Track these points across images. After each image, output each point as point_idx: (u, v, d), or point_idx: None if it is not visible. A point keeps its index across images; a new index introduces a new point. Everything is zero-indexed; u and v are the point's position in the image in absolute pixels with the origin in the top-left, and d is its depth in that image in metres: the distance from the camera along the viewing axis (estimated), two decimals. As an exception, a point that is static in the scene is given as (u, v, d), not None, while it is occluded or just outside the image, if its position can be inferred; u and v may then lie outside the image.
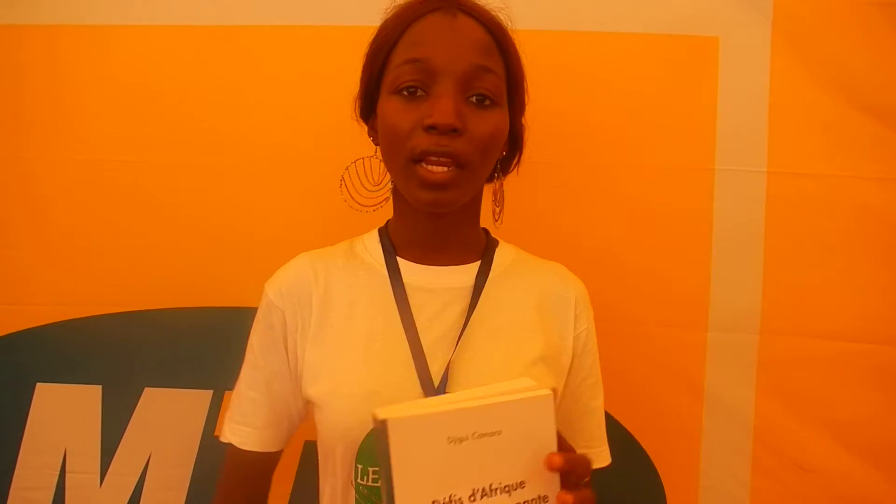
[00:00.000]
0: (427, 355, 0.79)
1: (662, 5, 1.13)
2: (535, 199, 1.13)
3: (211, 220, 1.18)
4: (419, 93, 0.77)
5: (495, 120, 0.79)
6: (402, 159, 0.77)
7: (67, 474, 1.20)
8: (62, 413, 1.20)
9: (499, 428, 0.59)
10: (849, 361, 1.12)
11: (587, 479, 0.68)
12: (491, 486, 0.59)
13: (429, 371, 0.78)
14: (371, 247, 0.87)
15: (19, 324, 1.20)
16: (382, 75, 0.81)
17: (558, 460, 0.61)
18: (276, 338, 0.84)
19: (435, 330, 0.81)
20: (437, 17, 0.78)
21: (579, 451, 0.77)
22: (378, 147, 0.85)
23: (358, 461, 0.77)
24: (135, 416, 1.19)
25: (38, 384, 1.20)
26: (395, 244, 0.86)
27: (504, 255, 0.89)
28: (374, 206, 0.89)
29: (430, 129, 0.74)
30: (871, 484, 1.12)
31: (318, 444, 0.83)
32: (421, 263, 0.84)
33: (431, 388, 0.77)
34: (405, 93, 0.77)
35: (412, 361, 0.78)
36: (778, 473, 1.14)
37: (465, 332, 0.80)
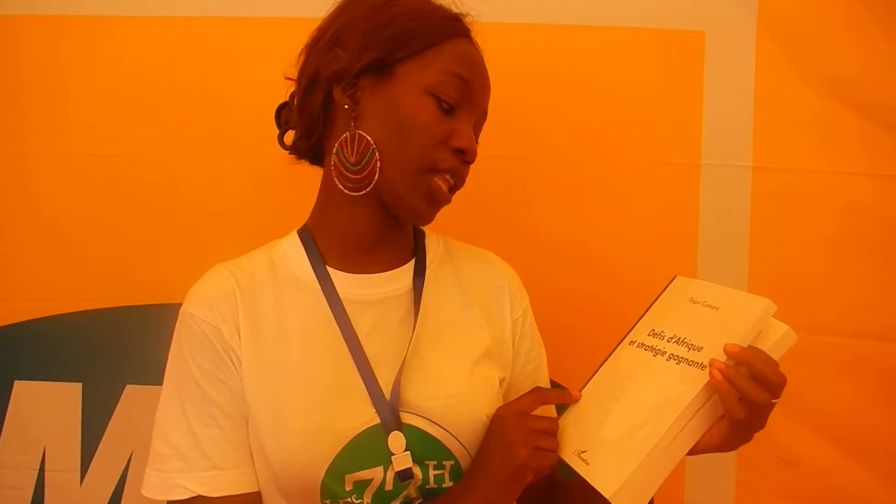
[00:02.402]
0: (374, 369, 0.75)
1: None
2: (521, 194, 1.13)
3: (195, 215, 1.17)
4: (455, 111, 0.77)
5: None
6: (418, 165, 0.76)
7: (47, 473, 1.18)
8: (41, 411, 1.18)
9: (720, 305, 0.72)
10: (833, 355, 1.13)
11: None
12: (685, 339, 0.72)
13: (378, 386, 0.75)
14: (295, 257, 0.81)
15: (-2, 320, 1.18)
16: (409, 61, 0.76)
17: (733, 347, 0.66)
18: (221, 358, 0.74)
19: (376, 342, 0.77)
20: (473, 49, 0.80)
21: None
22: (355, 118, 0.76)
23: (323, 497, 0.72)
24: (116, 414, 1.18)
25: (17, 382, 1.18)
26: (321, 251, 0.81)
27: (434, 248, 0.87)
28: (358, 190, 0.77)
29: (460, 152, 0.77)
30: (854, 476, 1.13)
31: (262, 487, 0.75)
32: (353, 272, 0.80)
33: (383, 401, 0.74)
34: (444, 105, 0.76)
35: (360, 379, 0.75)
36: (763, 467, 1.14)
37: (412, 339, 0.77)
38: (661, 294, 0.80)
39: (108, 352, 1.18)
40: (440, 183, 0.76)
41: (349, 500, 0.73)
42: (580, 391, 0.77)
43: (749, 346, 0.66)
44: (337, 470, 0.72)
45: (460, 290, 0.85)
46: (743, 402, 0.65)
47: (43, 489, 1.18)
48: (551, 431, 0.73)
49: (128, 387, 1.18)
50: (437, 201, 0.78)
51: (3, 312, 1.18)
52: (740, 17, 1.12)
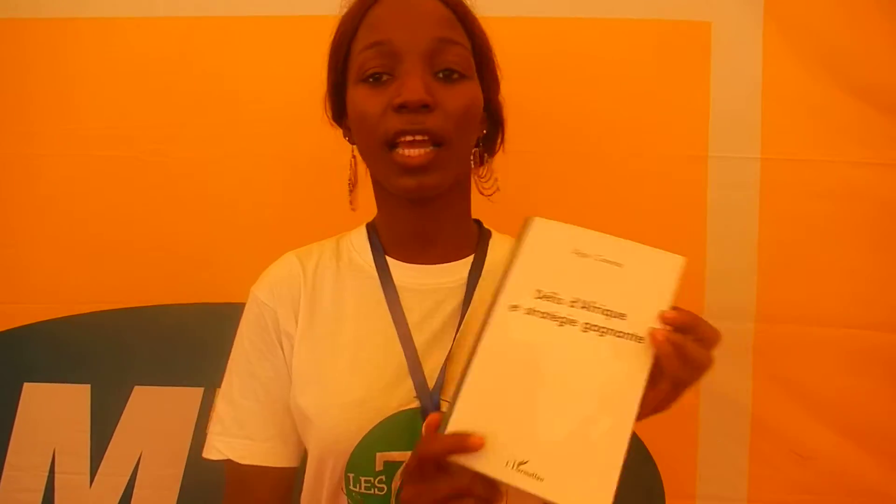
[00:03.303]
0: (420, 357, 0.77)
1: (653, -10, 1.12)
2: (526, 188, 1.12)
3: (201, 215, 1.17)
4: (385, 77, 0.74)
5: (467, 92, 0.76)
6: (376, 146, 0.75)
7: (57, 475, 1.18)
8: (51, 413, 1.18)
9: (622, 262, 0.64)
10: (844, 347, 1.12)
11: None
12: (594, 303, 0.62)
13: (423, 374, 0.76)
14: (359, 245, 0.85)
15: (6, 323, 1.18)
16: (347, 66, 0.79)
17: (672, 314, 0.60)
18: (272, 340, 0.80)
19: (426, 331, 0.78)
20: (392, 0, 0.77)
21: None
22: (354, 146, 0.83)
23: (349, 470, 0.75)
24: (124, 415, 1.18)
25: (26, 384, 1.19)
26: (383, 242, 0.84)
27: (497, 248, 0.86)
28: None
29: (401, 108, 0.72)
30: (868, 469, 1.12)
31: (308, 453, 0.79)
32: (411, 262, 0.82)
33: (426, 390, 0.75)
34: (371, 79, 0.75)
35: (406, 365, 0.76)
36: (776, 461, 1.14)
37: (459, 331, 0.78)
38: (522, 240, 0.66)
39: (116, 353, 1.18)
40: (400, 154, 0.73)
41: (372, 480, 0.74)
42: (459, 381, 0.61)
43: (677, 308, 0.61)
44: (369, 445, 0.73)
45: None
46: (688, 366, 0.60)
47: (53, 491, 1.18)
48: (461, 493, 0.58)
49: (136, 388, 1.18)
50: (412, 171, 0.74)
51: (12, 315, 1.18)
52: (747, 7, 1.10)
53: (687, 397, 1.12)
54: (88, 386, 1.18)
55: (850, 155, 1.11)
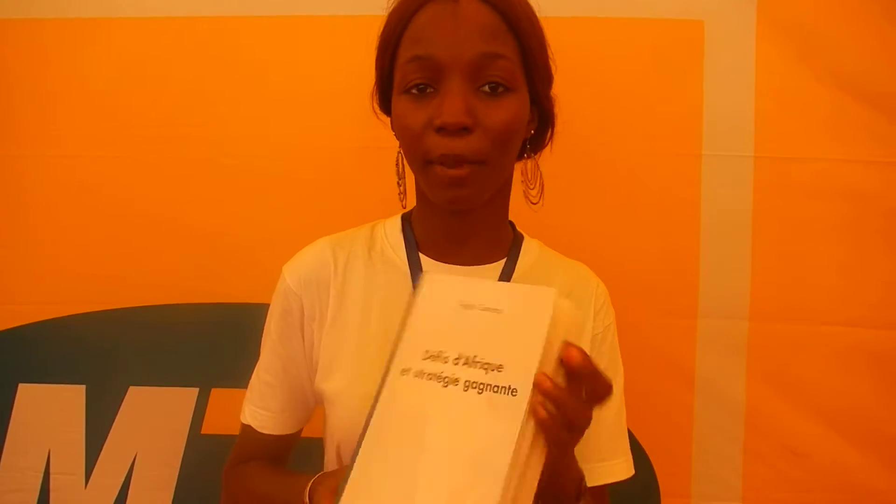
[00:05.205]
0: None
1: (646, -11, 1.12)
2: (517, 188, 1.12)
3: (195, 215, 1.17)
4: (429, 90, 0.74)
5: (511, 107, 0.75)
6: (417, 160, 0.76)
7: (52, 476, 1.18)
8: (46, 414, 1.18)
9: (501, 307, 0.59)
10: (838, 344, 1.12)
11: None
12: (475, 357, 0.58)
13: None
14: (393, 238, 0.85)
15: (1, 323, 1.18)
16: (392, 72, 0.78)
17: (544, 381, 0.54)
18: (294, 324, 0.83)
19: None
20: (438, 7, 0.74)
21: (583, 464, 0.74)
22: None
23: None
24: (119, 416, 1.18)
25: (21, 385, 1.18)
26: (417, 238, 0.84)
27: (528, 254, 0.86)
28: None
29: (441, 129, 0.72)
30: (862, 467, 1.12)
31: (326, 437, 0.83)
32: (444, 262, 0.82)
33: None
34: (414, 91, 0.74)
35: None
36: (770, 459, 1.14)
37: None
38: (414, 301, 0.63)
39: (111, 354, 1.18)
40: (441, 169, 0.73)
41: None
42: (355, 450, 0.59)
43: (562, 353, 0.56)
44: None
45: None
46: (566, 430, 0.55)
47: (48, 492, 1.18)
48: None
49: (131, 388, 1.18)
50: (450, 185, 0.74)
51: (6, 316, 1.18)
52: (739, 6, 1.10)
53: (681, 395, 1.14)
54: (83, 386, 1.18)
55: (845, 153, 1.11)
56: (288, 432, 0.88)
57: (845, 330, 1.12)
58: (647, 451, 1.15)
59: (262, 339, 0.87)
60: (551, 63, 0.82)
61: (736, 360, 1.14)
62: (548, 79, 0.82)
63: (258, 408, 0.87)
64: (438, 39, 0.73)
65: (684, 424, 1.15)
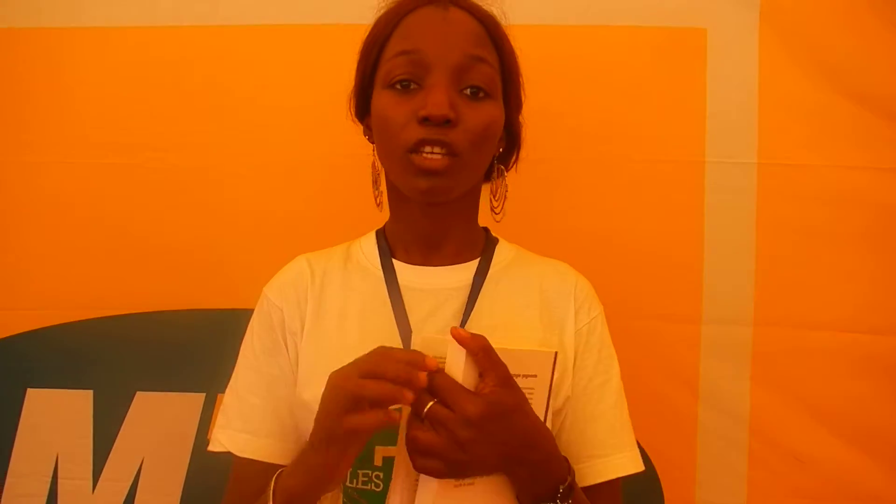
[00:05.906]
0: None
1: (649, -3, 1.12)
2: (523, 193, 1.12)
3: (204, 222, 1.18)
4: (412, 86, 0.76)
5: (489, 111, 0.78)
6: (398, 151, 0.77)
7: (60, 480, 1.19)
8: (54, 419, 1.19)
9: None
10: (842, 351, 1.12)
11: None
12: None
13: None
14: (367, 249, 0.87)
15: (9, 328, 1.19)
16: (376, 70, 0.81)
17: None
18: (277, 339, 0.83)
19: (428, 330, 0.80)
20: (429, 10, 0.79)
21: (585, 461, 0.78)
22: (374, 145, 0.84)
23: None
24: (127, 421, 1.18)
25: (29, 389, 1.19)
26: (391, 246, 0.86)
27: (504, 254, 0.88)
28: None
29: (424, 120, 0.74)
30: (867, 474, 1.12)
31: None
32: (417, 264, 0.84)
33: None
34: (398, 86, 0.77)
35: None
36: (774, 465, 1.13)
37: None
38: None
39: (119, 359, 1.18)
40: (420, 157, 0.75)
41: (370, 474, 0.75)
42: None
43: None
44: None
45: (523, 293, 0.84)
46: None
47: (56, 497, 1.18)
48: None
49: (138, 393, 1.18)
50: (427, 173, 0.76)
51: (14, 321, 1.19)
52: (742, 14, 1.11)
53: (685, 401, 1.14)
54: (91, 391, 1.19)
55: (847, 159, 1.12)
56: (277, 461, 0.80)
57: (850, 336, 1.12)
58: (652, 458, 1.15)
59: (238, 360, 0.85)
60: (522, 91, 0.86)
61: (740, 366, 1.14)
62: (519, 102, 0.86)
63: (239, 431, 0.82)
64: (427, 38, 0.77)
65: (688, 431, 1.15)
